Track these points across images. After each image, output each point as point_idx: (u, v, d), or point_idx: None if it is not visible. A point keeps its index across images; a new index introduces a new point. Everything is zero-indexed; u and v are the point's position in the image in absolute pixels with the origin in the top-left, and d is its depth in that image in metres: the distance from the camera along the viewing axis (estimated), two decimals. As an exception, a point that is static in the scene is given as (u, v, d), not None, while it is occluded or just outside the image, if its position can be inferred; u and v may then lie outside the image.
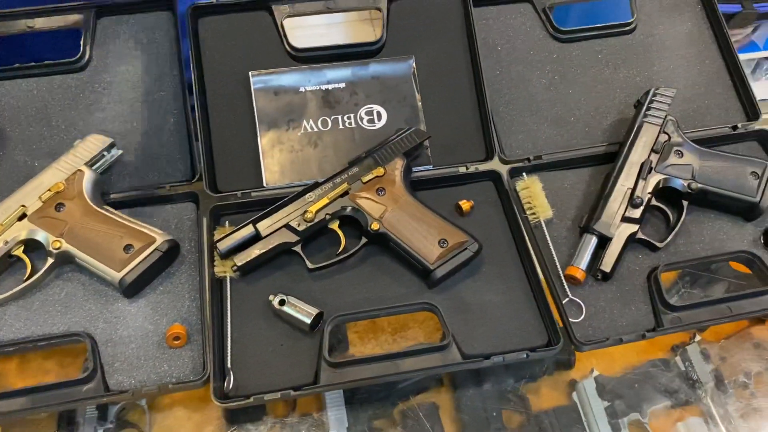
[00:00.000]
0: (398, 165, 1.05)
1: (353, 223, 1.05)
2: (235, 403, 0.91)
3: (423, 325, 1.07)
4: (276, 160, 1.12)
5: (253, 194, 1.10)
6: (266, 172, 1.11)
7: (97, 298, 1.00)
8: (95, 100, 1.13)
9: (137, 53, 1.15)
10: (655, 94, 1.13)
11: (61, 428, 0.97)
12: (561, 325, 0.98)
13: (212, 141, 1.12)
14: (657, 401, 1.04)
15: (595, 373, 1.05)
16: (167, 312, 0.99)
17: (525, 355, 0.95)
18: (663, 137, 1.10)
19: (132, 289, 0.99)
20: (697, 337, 1.07)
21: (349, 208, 1.03)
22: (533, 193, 1.09)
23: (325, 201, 1.03)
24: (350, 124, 1.15)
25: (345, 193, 1.04)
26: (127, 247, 0.98)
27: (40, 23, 1.13)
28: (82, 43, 1.13)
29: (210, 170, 1.10)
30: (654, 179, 1.07)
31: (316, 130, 1.14)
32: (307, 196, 1.03)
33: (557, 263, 1.04)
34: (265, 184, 1.11)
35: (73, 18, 1.14)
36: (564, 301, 1.00)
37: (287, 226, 1.01)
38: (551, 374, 1.06)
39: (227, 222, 1.08)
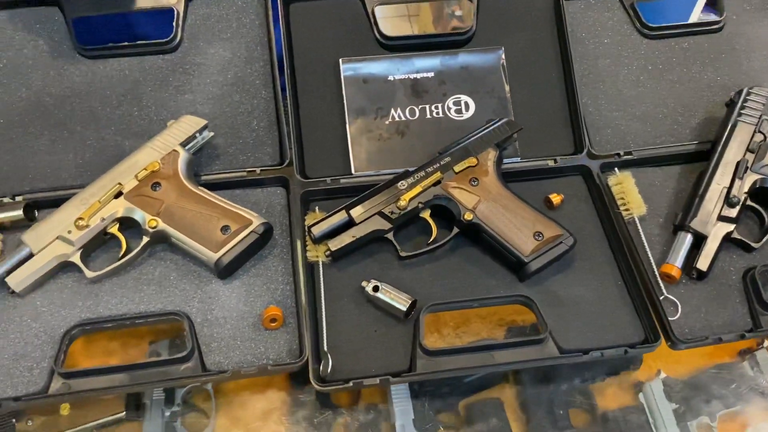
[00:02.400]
0: (491, 156, 1.05)
1: (444, 213, 1.04)
2: (333, 386, 0.91)
3: (485, 321, 1.06)
4: (364, 147, 1.12)
5: (341, 181, 1.10)
6: (354, 160, 1.11)
7: (191, 279, 1.00)
8: (185, 81, 1.13)
9: (227, 36, 1.15)
10: (749, 93, 1.11)
11: (129, 410, 0.98)
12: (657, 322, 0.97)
13: (301, 127, 1.12)
14: (725, 405, 1.02)
15: (662, 374, 1.04)
16: (261, 294, 1.00)
17: (624, 351, 0.94)
18: (758, 137, 1.08)
19: (227, 270, 0.99)
20: (766, 343, 1.06)
21: (442, 197, 1.03)
22: (626, 189, 1.07)
23: (418, 189, 1.02)
24: (438, 113, 1.14)
25: (437, 183, 1.03)
26: (224, 229, 0.98)
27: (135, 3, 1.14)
28: (174, 24, 1.14)
29: (300, 156, 1.10)
30: (750, 179, 1.06)
31: (403, 119, 1.14)
32: (399, 184, 1.03)
33: (652, 260, 1.03)
34: (353, 172, 1.11)
35: (166, -1, 1.15)
36: (660, 299, 0.99)
37: (380, 213, 1.01)
38: (617, 374, 1.05)
39: (317, 208, 1.08)
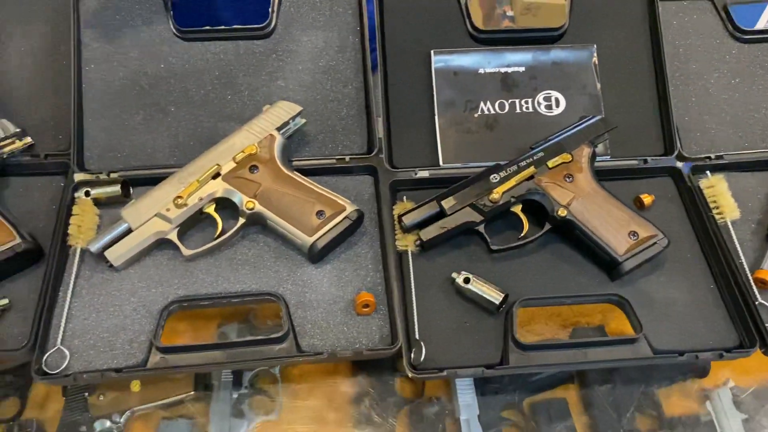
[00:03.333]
0: (585, 152, 1.04)
1: (535, 208, 1.04)
2: (427, 375, 0.91)
3: (550, 321, 1.06)
4: (452, 140, 1.12)
5: (429, 172, 1.10)
6: (442, 152, 1.12)
7: (284, 262, 1.01)
8: (278, 67, 1.15)
9: (321, 24, 1.16)
10: None
11: (198, 389, 0.99)
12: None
13: (390, 117, 1.13)
14: (798, 417, 1.01)
15: (731, 383, 1.03)
16: (351, 280, 1.00)
17: (719, 355, 0.93)
18: None
19: (320, 254, 1.00)
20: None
21: (535, 192, 1.03)
22: (719, 192, 1.06)
23: (511, 183, 1.02)
24: (527, 108, 1.14)
25: (530, 177, 1.03)
26: (319, 213, 0.99)
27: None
28: (270, 10, 1.15)
29: (388, 146, 1.11)
30: None
31: (492, 112, 1.14)
32: (491, 177, 1.03)
33: (746, 265, 1.02)
34: (440, 163, 1.11)
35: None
36: (756, 303, 0.98)
37: (472, 205, 1.01)
38: (684, 381, 1.04)
39: (404, 197, 1.08)
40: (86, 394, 0.98)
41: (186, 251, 0.99)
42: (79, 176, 1.08)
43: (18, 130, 1.07)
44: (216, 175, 1.02)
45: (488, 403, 0.99)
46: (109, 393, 0.99)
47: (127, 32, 1.13)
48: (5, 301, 0.95)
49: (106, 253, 0.97)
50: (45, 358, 0.91)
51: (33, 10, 1.16)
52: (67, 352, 0.91)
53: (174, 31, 1.14)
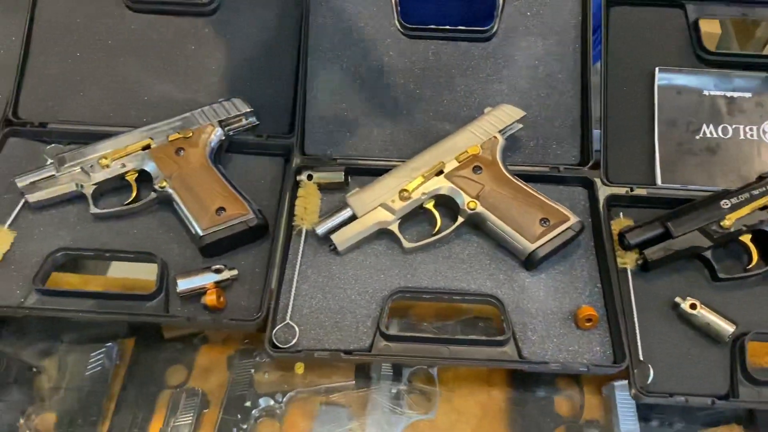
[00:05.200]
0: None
1: (763, 239, 1.00)
2: (654, 397, 0.89)
3: None
4: (671, 160, 1.09)
5: (647, 190, 1.08)
6: (661, 171, 1.09)
7: (500, 265, 1.01)
8: (496, 71, 1.15)
9: (541, 31, 1.15)
10: None
11: (358, 378, 1.00)
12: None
13: (607, 130, 1.11)
14: None
15: None
16: (568, 292, 0.99)
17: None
18: None
19: (538, 262, 0.99)
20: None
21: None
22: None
23: (744, 212, 0.99)
24: (752, 136, 1.10)
25: (764, 207, 0.99)
26: (543, 221, 0.99)
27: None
28: (494, 14, 1.16)
29: (605, 159, 1.09)
30: None
31: (715, 136, 1.10)
32: (722, 203, 1.00)
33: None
34: (658, 182, 1.09)
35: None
36: None
37: (701, 230, 0.98)
38: None
39: (621, 213, 1.06)
40: (252, 370, 1.01)
41: (407, 244, 1.01)
42: (298, 159, 1.11)
43: (248, 109, 1.11)
44: (439, 172, 1.03)
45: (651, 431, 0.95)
46: (273, 372, 1.01)
47: (353, 25, 1.16)
48: (235, 272, 0.99)
49: (333, 237, 1.00)
50: (274, 331, 0.94)
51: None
52: (296, 328, 0.94)
53: (399, 27, 1.16)
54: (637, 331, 0.95)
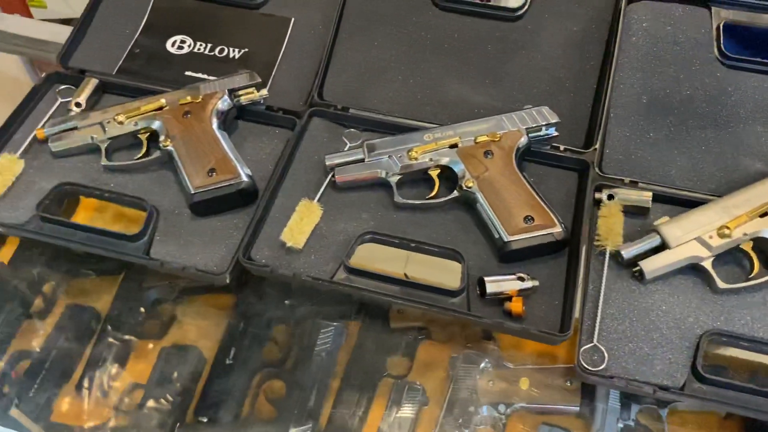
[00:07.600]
0: None
1: None
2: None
3: None
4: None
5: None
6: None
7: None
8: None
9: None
10: None
11: (583, 405, 0.97)
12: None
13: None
14: None
15: None
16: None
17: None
18: None
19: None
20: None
21: None
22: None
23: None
24: None
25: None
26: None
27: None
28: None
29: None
30: None
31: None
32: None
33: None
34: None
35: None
36: None
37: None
38: None
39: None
40: (477, 376, 1.00)
41: (721, 284, 0.96)
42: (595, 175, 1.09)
43: (556, 120, 1.09)
44: (764, 214, 0.97)
45: None
46: (497, 382, 1.00)
47: (667, 46, 1.13)
48: (536, 282, 0.98)
49: (642, 264, 0.97)
50: (581, 351, 0.92)
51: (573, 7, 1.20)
52: (605, 353, 0.92)
53: (717, 54, 1.11)
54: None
